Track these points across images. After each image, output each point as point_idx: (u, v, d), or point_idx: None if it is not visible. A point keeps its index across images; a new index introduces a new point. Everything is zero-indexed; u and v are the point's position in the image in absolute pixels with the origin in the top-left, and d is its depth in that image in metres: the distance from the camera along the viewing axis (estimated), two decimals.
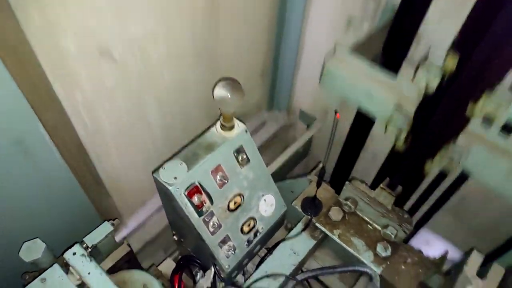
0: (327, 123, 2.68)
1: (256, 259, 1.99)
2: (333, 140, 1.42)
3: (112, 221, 1.80)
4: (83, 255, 1.37)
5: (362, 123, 2.04)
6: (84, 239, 1.65)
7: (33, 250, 1.45)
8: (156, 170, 1.48)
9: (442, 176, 1.99)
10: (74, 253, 1.38)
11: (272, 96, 2.79)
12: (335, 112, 1.31)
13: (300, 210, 1.88)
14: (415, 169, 1.76)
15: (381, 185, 1.71)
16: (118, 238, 1.97)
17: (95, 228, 1.64)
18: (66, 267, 1.39)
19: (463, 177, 1.94)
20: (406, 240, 1.91)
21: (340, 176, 2.38)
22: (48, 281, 1.32)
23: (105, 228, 1.71)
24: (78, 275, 1.34)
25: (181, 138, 1.95)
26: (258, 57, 2.45)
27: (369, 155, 2.33)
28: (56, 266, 1.36)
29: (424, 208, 2.29)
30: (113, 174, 1.98)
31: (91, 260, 1.37)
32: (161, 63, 1.79)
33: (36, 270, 1.52)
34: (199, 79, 2.05)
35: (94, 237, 1.62)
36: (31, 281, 1.33)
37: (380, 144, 2.11)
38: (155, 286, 1.50)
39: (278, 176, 2.39)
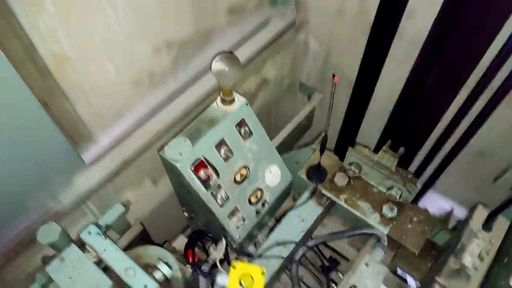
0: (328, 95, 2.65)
1: (266, 231, 2.04)
2: (333, 104, 1.43)
3: (124, 203, 1.85)
4: (98, 233, 1.43)
5: (363, 87, 2.04)
6: (98, 221, 1.70)
7: (49, 233, 1.50)
8: (161, 149, 1.51)
9: (445, 136, 2.00)
10: (90, 233, 1.43)
11: None
12: (333, 76, 1.32)
13: (305, 178, 1.91)
14: (415, 129, 1.77)
15: (384, 147, 1.73)
16: (87, 159, 1.61)
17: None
18: (82, 246, 1.44)
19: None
20: (415, 201, 1.92)
21: (344, 143, 2.39)
22: (67, 260, 1.37)
23: (118, 209, 1.77)
24: (94, 253, 1.40)
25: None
26: None
27: (371, 120, 2.33)
28: (73, 245, 1.41)
29: (431, 168, 2.30)
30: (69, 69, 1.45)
31: (106, 238, 1.42)
32: None
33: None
34: None
35: (107, 218, 1.67)
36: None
37: (381, 107, 2.10)
38: (170, 259, 1.56)
39: (283, 149, 2.42)
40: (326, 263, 2.32)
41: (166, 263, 1.46)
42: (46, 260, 1.62)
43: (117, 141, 1.77)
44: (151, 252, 1.59)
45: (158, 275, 1.42)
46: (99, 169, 1.71)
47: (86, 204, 1.76)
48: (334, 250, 2.37)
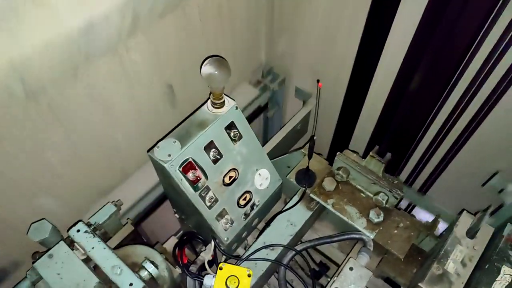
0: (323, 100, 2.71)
1: (256, 233, 2.07)
2: (319, 108, 1.46)
3: (115, 202, 1.88)
4: (86, 231, 1.46)
5: (356, 94, 2.07)
6: (89, 219, 1.74)
7: (40, 230, 1.54)
8: (150, 149, 1.55)
9: (434, 141, 2.03)
10: (78, 230, 1.46)
11: None
12: (317, 81, 1.35)
13: (294, 182, 1.94)
14: (400, 135, 1.80)
15: (371, 153, 1.76)
16: None
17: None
18: (71, 244, 1.48)
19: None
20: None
21: (337, 149, 2.43)
22: (55, 256, 1.40)
23: (109, 209, 1.80)
24: (83, 250, 1.43)
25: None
26: None
27: (363, 126, 2.36)
28: (62, 243, 1.44)
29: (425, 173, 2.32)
30: None
31: (94, 236, 1.45)
32: None
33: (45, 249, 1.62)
34: None
35: (98, 217, 1.71)
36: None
37: (370, 114, 2.14)
38: (157, 258, 1.58)
39: (277, 154, 2.45)
40: (316, 268, 2.34)
41: (153, 263, 1.48)
42: (37, 257, 1.66)
43: None
44: (139, 251, 1.62)
45: (143, 273, 1.45)
46: None
47: None
48: (324, 255, 2.39)
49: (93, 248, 1.43)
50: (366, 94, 2.01)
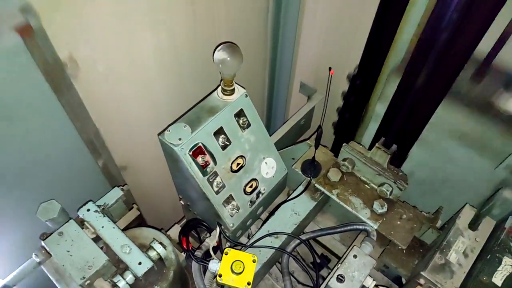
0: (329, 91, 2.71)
1: (260, 223, 2.09)
2: (328, 100, 1.49)
3: (121, 187, 1.90)
4: (96, 211, 1.48)
5: (363, 82, 2.09)
6: (96, 203, 1.75)
7: (49, 210, 1.55)
8: (161, 133, 1.57)
9: None
10: (88, 210, 1.48)
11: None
12: (329, 69, 1.38)
13: (300, 172, 1.96)
14: (406, 126, 1.83)
15: (377, 144, 1.79)
16: None
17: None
18: (81, 223, 1.49)
19: None
20: None
21: (342, 140, 2.45)
22: (65, 234, 1.42)
23: (116, 193, 1.81)
24: (92, 229, 1.45)
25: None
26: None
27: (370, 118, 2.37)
28: (72, 221, 1.46)
29: None
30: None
31: (104, 216, 1.47)
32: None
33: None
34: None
35: (104, 199, 1.72)
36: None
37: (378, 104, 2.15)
38: (164, 240, 1.61)
39: (279, 149, 2.47)
40: (318, 260, 2.37)
41: (161, 244, 1.50)
42: (45, 237, 1.67)
43: None
44: (146, 234, 1.64)
45: (152, 254, 1.46)
46: None
47: None
48: (326, 248, 2.42)
49: (102, 227, 1.44)
50: (373, 86, 2.04)
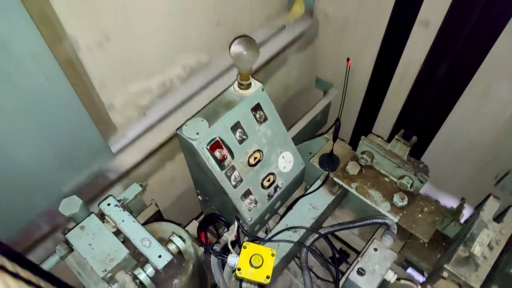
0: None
1: (277, 219, 2.08)
2: (346, 88, 1.47)
3: (141, 183, 1.92)
4: (116, 205, 1.49)
5: (381, 78, 2.06)
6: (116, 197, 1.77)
7: (71, 205, 1.58)
8: (179, 128, 1.58)
9: None
10: (109, 204, 1.50)
11: None
12: (347, 60, 1.36)
13: (317, 166, 1.94)
14: (427, 117, 1.79)
15: (396, 136, 1.76)
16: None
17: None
18: (102, 217, 1.51)
19: None
20: None
21: (360, 134, 2.42)
22: (87, 228, 1.44)
23: (135, 189, 1.83)
24: (113, 223, 1.46)
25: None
26: None
27: (386, 110, 2.33)
28: (93, 215, 1.48)
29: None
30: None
31: (124, 210, 1.48)
32: None
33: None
34: None
35: (124, 194, 1.74)
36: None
37: (395, 97, 2.11)
38: (183, 234, 1.62)
39: (295, 144, 2.46)
40: (336, 254, 2.34)
41: (180, 237, 1.51)
42: (66, 232, 1.70)
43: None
44: (166, 228, 1.65)
45: (171, 247, 1.47)
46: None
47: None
48: (344, 243, 2.39)
49: (123, 221, 1.46)
50: (391, 78, 2.01)
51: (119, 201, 1.54)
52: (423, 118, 1.84)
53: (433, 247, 1.85)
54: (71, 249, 1.58)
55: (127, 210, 1.49)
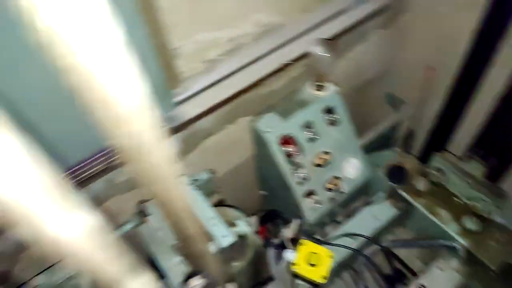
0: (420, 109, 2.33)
1: (335, 226, 2.07)
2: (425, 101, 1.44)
3: (212, 170, 2.03)
4: (189, 183, 1.61)
5: (463, 91, 1.95)
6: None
7: None
8: (253, 121, 1.67)
9: None
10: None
11: None
12: (429, 69, 1.34)
13: (384, 177, 1.92)
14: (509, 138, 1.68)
15: (473, 155, 1.68)
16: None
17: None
18: None
19: None
20: None
21: (431, 149, 2.30)
22: None
23: (206, 174, 1.95)
24: None
25: None
26: None
27: (463, 126, 2.17)
28: None
29: None
30: None
31: (195, 189, 1.60)
32: None
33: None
34: None
35: (197, 177, 1.86)
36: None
37: (475, 113, 1.97)
38: (246, 220, 1.68)
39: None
40: (392, 273, 2.25)
41: (244, 223, 1.58)
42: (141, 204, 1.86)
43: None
44: (230, 213, 1.73)
45: (236, 229, 1.55)
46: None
47: None
48: (401, 262, 2.29)
49: (193, 200, 1.57)
50: (474, 91, 1.90)
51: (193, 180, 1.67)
52: (507, 138, 1.73)
53: (502, 280, 1.71)
54: (145, 218, 1.72)
55: (198, 190, 1.60)
